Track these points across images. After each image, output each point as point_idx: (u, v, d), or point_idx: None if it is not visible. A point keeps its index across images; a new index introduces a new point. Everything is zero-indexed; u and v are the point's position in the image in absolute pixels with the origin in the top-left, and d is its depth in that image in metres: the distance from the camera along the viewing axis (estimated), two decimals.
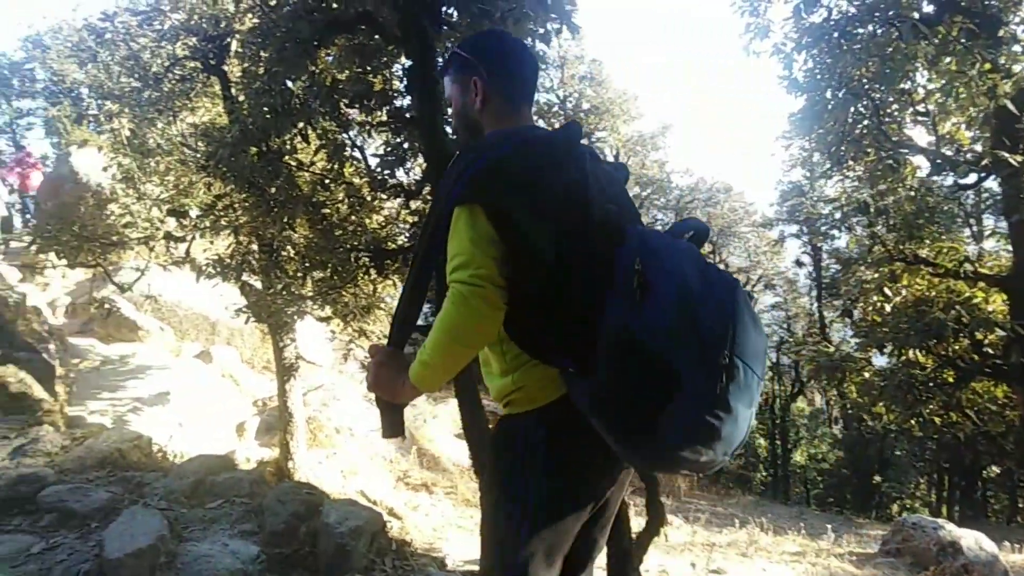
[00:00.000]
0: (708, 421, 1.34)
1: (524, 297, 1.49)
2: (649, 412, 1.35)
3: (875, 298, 10.37)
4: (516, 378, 1.59)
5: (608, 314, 1.43)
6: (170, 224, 7.75)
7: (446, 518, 9.86)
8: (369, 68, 4.15)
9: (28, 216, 15.29)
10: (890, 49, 7.12)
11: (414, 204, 4.70)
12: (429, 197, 4.44)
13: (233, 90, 7.34)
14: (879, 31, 7.44)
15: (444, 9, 3.69)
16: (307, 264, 5.86)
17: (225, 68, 7.23)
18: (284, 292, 6.20)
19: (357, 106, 4.27)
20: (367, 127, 5.25)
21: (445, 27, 3.85)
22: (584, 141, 1.77)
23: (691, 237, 1.57)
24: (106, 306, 9.33)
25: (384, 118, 4.45)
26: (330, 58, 4.88)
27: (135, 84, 7.72)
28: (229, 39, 6.54)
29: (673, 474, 1.24)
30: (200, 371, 10.58)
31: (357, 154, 5.64)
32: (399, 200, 5.21)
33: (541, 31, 3.74)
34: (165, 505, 3.18)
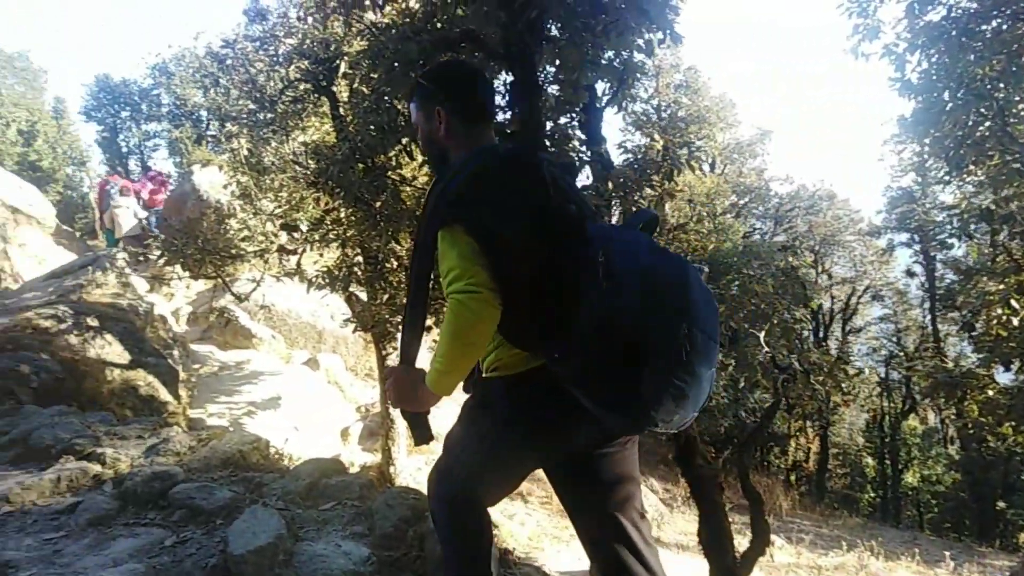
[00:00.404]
0: (677, 385, 1.56)
1: (510, 296, 1.68)
2: (627, 382, 1.57)
3: (1000, 311, 9.66)
4: (498, 354, 1.83)
5: (583, 303, 1.61)
6: (283, 238, 8.20)
7: (541, 528, 9.87)
8: None
9: (152, 230, 16.52)
10: (1016, 46, 6.66)
11: None
12: None
13: (341, 109, 7.70)
14: (1005, 27, 6.97)
15: (546, 26, 3.75)
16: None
17: (334, 89, 7.61)
18: (388, 302, 6.42)
19: None
20: None
21: (546, 43, 3.91)
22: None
23: (643, 227, 1.80)
24: (225, 315, 9.92)
25: None
26: None
27: (252, 106, 8.25)
28: (338, 61, 6.87)
29: (647, 432, 1.39)
30: (308, 377, 11.08)
31: None
32: None
33: (642, 42, 3.73)
34: (282, 505, 3.35)
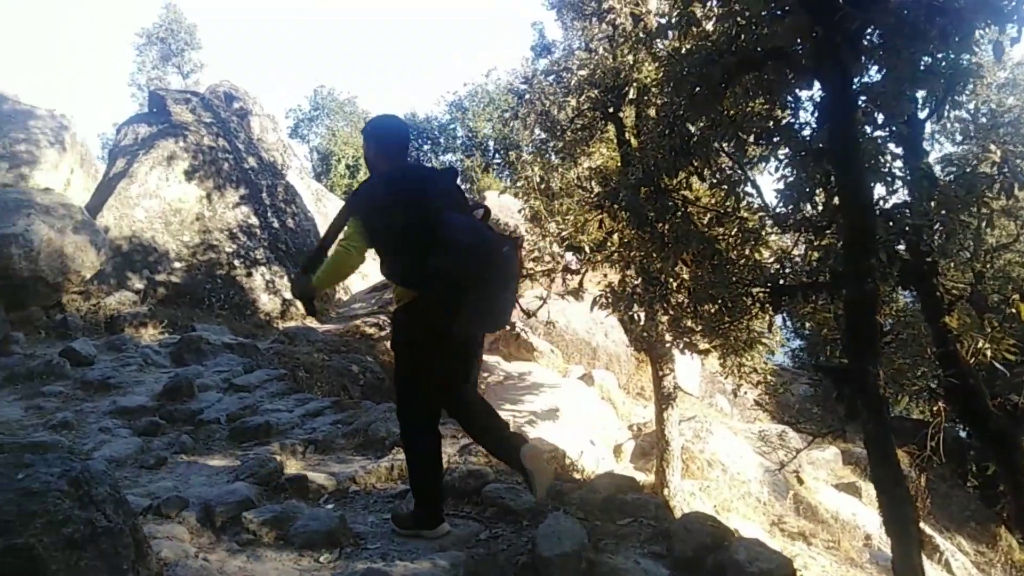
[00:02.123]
0: (488, 308, 2.78)
1: (388, 254, 2.86)
2: (455, 306, 2.65)
3: None
4: (396, 292, 3.07)
5: (431, 260, 2.65)
6: (568, 258, 8.63)
7: (827, 573, 9.07)
8: (776, 102, 4.13)
9: None
10: None
11: (817, 239, 4.50)
12: (836, 232, 4.22)
13: (627, 134, 7.92)
14: None
15: (866, 36, 3.50)
16: (695, 298, 5.99)
17: (620, 115, 7.85)
18: (671, 324, 6.42)
19: (763, 141, 4.28)
20: (762, 162, 5.21)
21: (863, 55, 3.64)
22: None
23: (482, 216, 2.90)
24: (515, 329, 10.68)
25: (787, 152, 4.37)
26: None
27: (542, 135, 8.84)
28: (627, 88, 7.08)
29: (476, 332, 3.16)
30: (583, 392, 11.44)
31: (750, 188, 5.63)
32: (798, 235, 5.03)
33: (986, 42, 3.30)
34: (582, 515, 3.49)
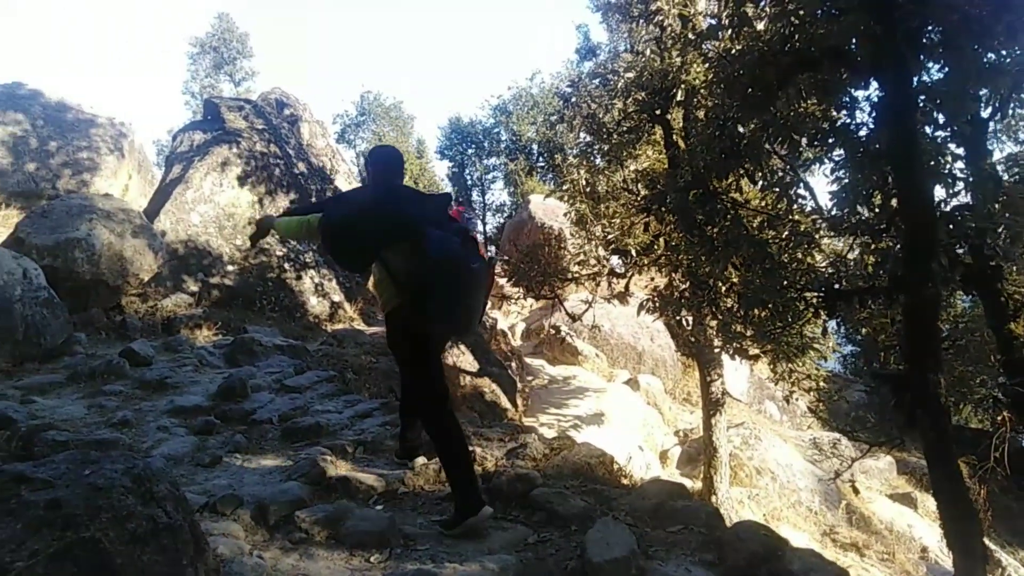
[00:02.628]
0: (455, 309, 3.18)
1: (375, 261, 3.43)
2: (431, 310, 3.15)
3: None
4: (383, 300, 3.57)
5: (413, 271, 3.18)
6: (613, 262, 8.58)
7: None
8: (832, 103, 4.03)
9: None
10: None
11: (874, 243, 4.36)
12: (895, 236, 4.09)
13: (675, 137, 7.83)
14: None
15: (927, 34, 3.40)
16: (745, 302, 5.88)
17: (668, 117, 7.77)
18: (720, 329, 6.32)
19: (817, 143, 4.18)
20: (815, 163, 5.09)
21: (923, 54, 3.54)
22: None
23: (458, 231, 3.27)
24: (560, 333, 10.65)
25: (842, 153, 4.26)
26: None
27: (588, 138, 8.80)
28: (675, 90, 7.00)
29: (447, 333, 4.10)
30: (629, 397, 11.35)
31: (802, 191, 5.51)
32: (853, 238, 4.90)
33: None
34: (631, 521, 3.46)
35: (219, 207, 11.20)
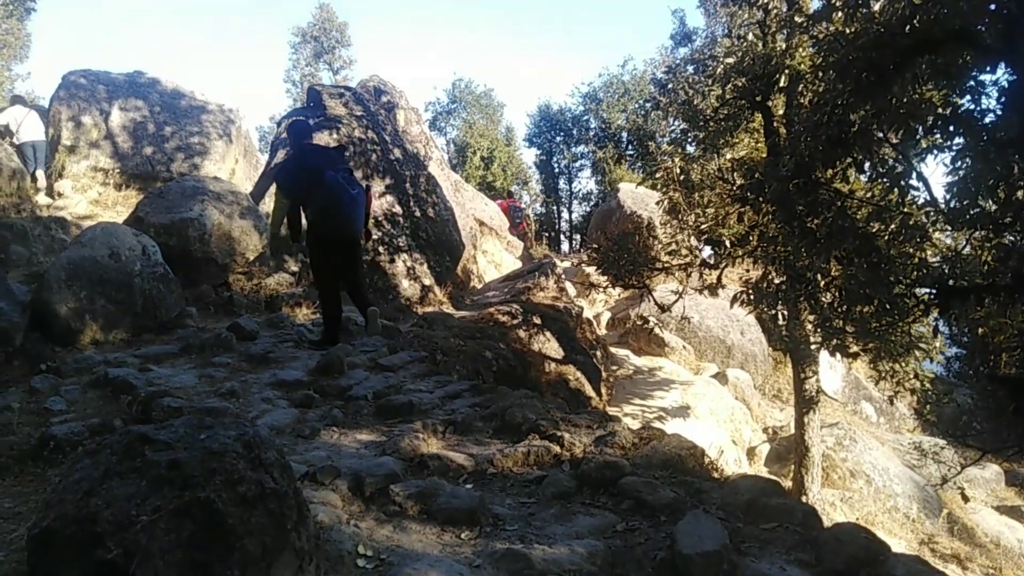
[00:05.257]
0: (339, 218, 6.24)
1: (297, 203, 6.41)
2: (325, 223, 6.30)
3: None
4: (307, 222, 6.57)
5: (316, 201, 6.20)
6: (706, 252, 8.38)
7: None
8: (955, 88, 3.78)
9: None
10: None
11: (996, 237, 4.07)
12: (1020, 230, 3.81)
13: (775, 124, 7.55)
14: None
15: None
16: (847, 297, 5.63)
17: (769, 104, 7.50)
18: (819, 324, 6.08)
19: (936, 130, 3.93)
20: (931, 152, 4.80)
21: None
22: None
23: (345, 170, 6.41)
24: (648, 323, 10.52)
25: (963, 141, 3.99)
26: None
27: (683, 126, 8.61)
28: (778, 75, 6.75)
29: (336, 240, 6.34)
30: (717, 391, 11.10)
31: (915, 181, 5.21)
32: (970, 233, 4.60)
33: None
34: (722, 515, 3.39)
35: None
